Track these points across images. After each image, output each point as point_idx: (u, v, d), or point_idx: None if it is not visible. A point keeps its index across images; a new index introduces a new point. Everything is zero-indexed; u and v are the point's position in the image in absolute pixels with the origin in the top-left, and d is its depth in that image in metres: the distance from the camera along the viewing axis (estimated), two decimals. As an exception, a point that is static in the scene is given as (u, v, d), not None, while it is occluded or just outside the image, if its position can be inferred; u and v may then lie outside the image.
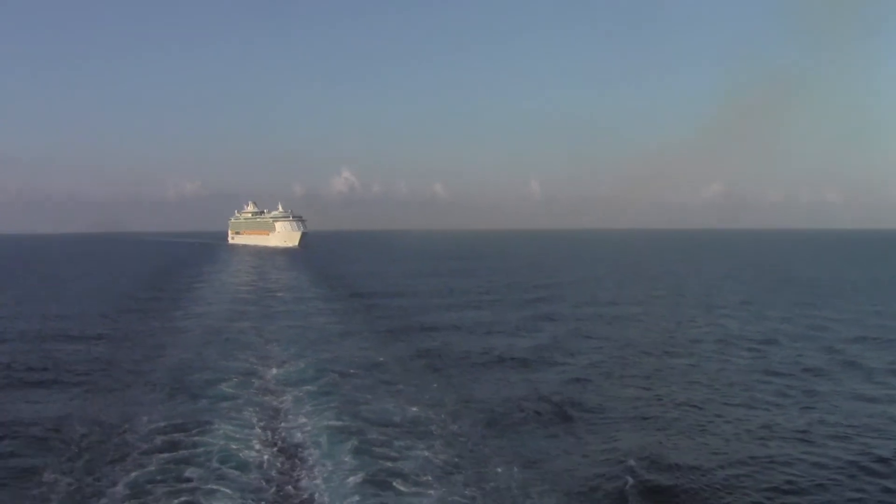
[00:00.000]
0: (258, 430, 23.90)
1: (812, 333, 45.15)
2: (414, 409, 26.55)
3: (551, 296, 67.48)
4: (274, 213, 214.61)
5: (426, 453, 21.62)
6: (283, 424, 24.73)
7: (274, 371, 33.85)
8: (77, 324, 49.54)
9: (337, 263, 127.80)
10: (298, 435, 23.68)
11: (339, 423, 23.78)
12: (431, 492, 18.55)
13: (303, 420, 25.67)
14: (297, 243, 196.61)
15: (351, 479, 19.39)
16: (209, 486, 19.25)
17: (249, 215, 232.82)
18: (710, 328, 47.29)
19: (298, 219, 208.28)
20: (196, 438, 22.88)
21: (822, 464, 21.43)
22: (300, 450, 22.33)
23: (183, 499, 18.30)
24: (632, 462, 21.01)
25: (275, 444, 22.17)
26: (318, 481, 19.55)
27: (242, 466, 20.82)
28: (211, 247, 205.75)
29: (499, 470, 20.45)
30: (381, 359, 36.26)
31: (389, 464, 20.50)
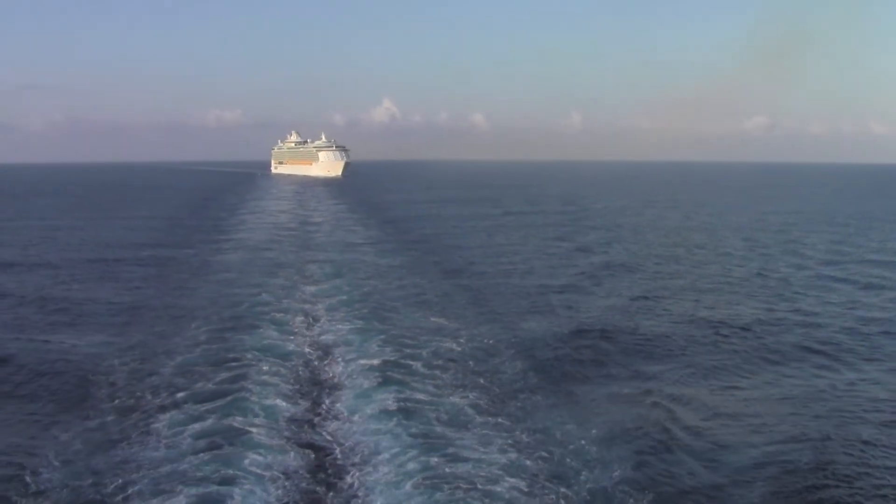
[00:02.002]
0: (296, 337, 26.50)
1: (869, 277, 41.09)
2: (440, 321, 28.12)
3: (587, 227, 67.63)
4: (317, 142, 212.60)
5: (452, 383, 22.13)
6: (317, 330, 27.13)
7: (311, 288, 36.46)
8: (129, 247, 51.90)
9: (379, 192, 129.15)
10: (332, 338, 26.85)
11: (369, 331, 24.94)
12: (466, 431, 18.42)
13: (338, 326, 29.15)
14: (340, 173, 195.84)
15: (381, 398, 20.43)
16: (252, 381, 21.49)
17: (293, 145, 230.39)
18: (753, 266, 44.71)
19: (341, 148, 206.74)
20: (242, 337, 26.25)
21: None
22: (335, 355, 24.96)
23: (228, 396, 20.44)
24: (673, 407, 20.53)
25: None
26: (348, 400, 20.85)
27: (283, 358, 24.33)
28: (253, 177, 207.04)
29: (537, 413, 19.98)
30: (421, 286, 37.43)
31: (420, 395, 20.83)
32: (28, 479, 15.92)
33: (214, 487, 15.34)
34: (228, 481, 15.52)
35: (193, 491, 15.20)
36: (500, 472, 16.01)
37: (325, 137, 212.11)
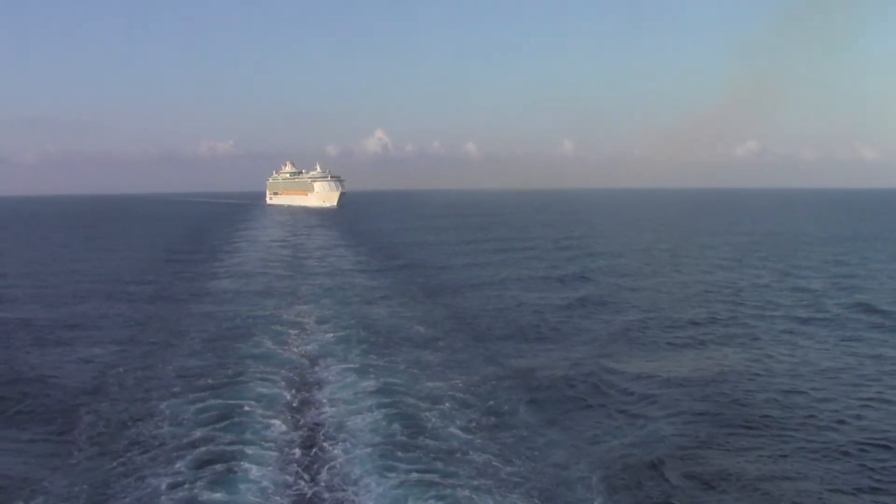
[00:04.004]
0: (286, 384, 24.85)
1: (854, 296, 42.08)
2: (452, 380, 25.62)
3: (582, 254, 68.14)
4: (312, 173, 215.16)
5: (448, 412, 21.84)
6: (313, 398, 23.88)
7: (303, 307, 38.53)
8: (118, 281, 52.36)
9: (373, 221, 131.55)
10: (324, 385, 25.10)
11: (372, 399, 22.77)
12: (458, 459, 18.41)
13: (325, 337, 31.42)
14: (335, 203, 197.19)
15: (376, 439, 19.71)
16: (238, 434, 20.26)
17: (287, 175, 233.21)
18: (746, 292, 44.91)
19: (336, 179, 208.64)
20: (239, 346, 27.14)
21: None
22: (325, 402, 23.40)
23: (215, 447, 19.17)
24: (667, 438, 20.27)
25: (303, 419, 21.39)
26: (342, 443, 19.96)
27: (276, 364, 25.46)
28: (248, 207, 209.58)
29: (533, 442, 20.05)
30: (417, 321, 35.95)
31: (435, 465, 18.52)
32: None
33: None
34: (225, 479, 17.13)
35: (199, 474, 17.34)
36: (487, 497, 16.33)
37: (320, 168, 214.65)
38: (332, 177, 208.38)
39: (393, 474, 17.30)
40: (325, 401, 23.06)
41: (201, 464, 17.85)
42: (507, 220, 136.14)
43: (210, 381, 24.84)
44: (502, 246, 76.74)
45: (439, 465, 17.96)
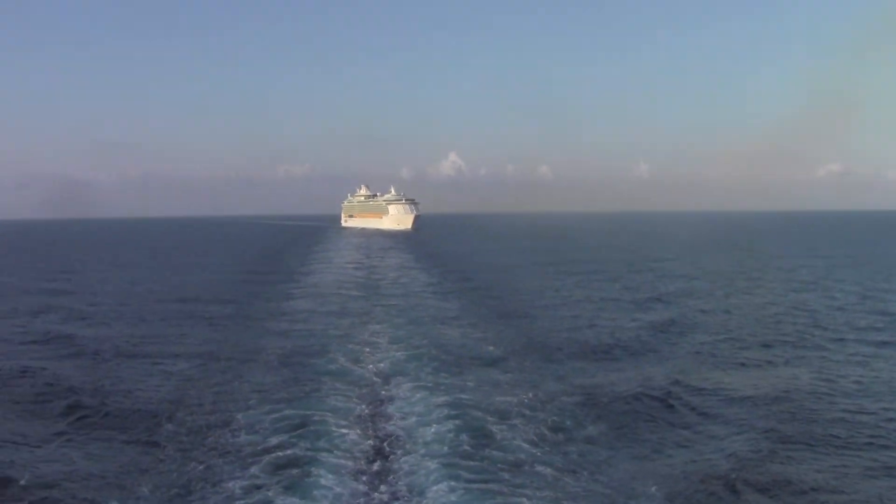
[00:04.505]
0: (359, 399, 25.53)
1: None
2: (520, 397, 25.83)
3: (656, 277, 67.42)
4: (387, 196, 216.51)
5: (523, 438, 21.46)
6: (386, 411, 24.36)
7: (376, 327, 39.52)
8: (198, 300, 54.20)
9: (446, 244, 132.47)
10: (395, 399, 25.54)
11: (442, 413, 23.42)
12: (528, 482, 18.26)
13: (397, 355, 32.22)
14: (410, 226, 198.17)
15: (445, 450, 20.23)
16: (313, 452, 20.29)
17: (362, 198, 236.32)
18: (821, 314, 44.37)
19: (411, 201, 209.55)
20: (302, 401, 25.40)
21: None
22: (396, 415, 23.89)
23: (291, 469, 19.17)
24: (732, 454, 20.27)
25: (375, 431, 22.05)
26: (413, 454, 20.41)
27: (344, 428, 22.54)
28: (324, 229, 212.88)
29: (598, 455, 20.30)
30: (488, 341, 36.12)
31: (501, 476, 18.82)
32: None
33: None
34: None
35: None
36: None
37: (395, 191, 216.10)
38: (406, 200, 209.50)
39: (460, 483, 17.82)
40: (396, 414, 23.68)
41: (277, 468, 18.73)
42: (580, 243, 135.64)
43: (285, 394, 25.85)
44: (575, 269, 76.58)
45: (506, 475, 18.39)
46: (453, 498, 17.24)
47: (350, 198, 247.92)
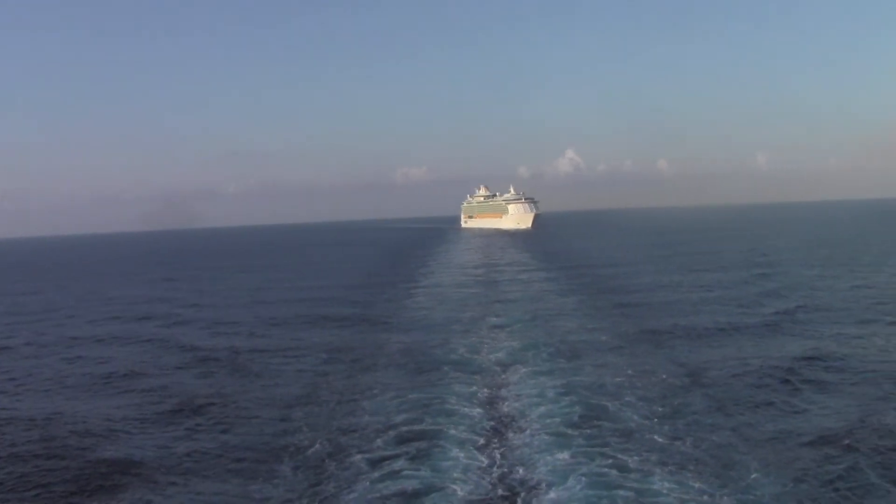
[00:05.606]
0: (479, 384, 27.32)
1: None
2: (632, 378, 27.14)
3: (772, 272, 63.47)
4: (506, 195, 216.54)
5: (648, 430, 21.54)
6: (504, 394, 25.97)
7: (495, 319, 41.08)
8: (329, 300, 57.23)
9: (564, 241, 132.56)
10: (513, 384, 27.21)
11: (557, 392, 25.22)
12: (656, 471, 18.39)
13: (512, 344, 34.12)
14: (530, 225, 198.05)
15: (561, 426, 21.69)
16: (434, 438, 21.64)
17: (482, 199, 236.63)
18: None
19: (530, 200, 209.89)
20: (426, 387, 27.48)
21: None
22: (513, 396, 25.61)
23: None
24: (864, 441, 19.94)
25: (495, 420, 22.98)
26: (529, 429, 21.97)
27: (466, 408, 24.37)
28: (444, 231, 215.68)
29: (709, 433, 20.95)
30: (603, 331, 37.09)
31: (610, 442, 20.26)
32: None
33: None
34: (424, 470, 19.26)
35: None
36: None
37: (514, 190, 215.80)
38: (525, 199, 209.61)
39: (572, 450, 19.65)
40: (513, 396, 25.37)
41: (404, 441, 20.85)
42: (697, 237, 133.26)
43: (408, 382, 27.90)
44: (690, 262, 76.18)
45: (614, 441, 20.23)
46: (567, 457, 19.13)
47: (469, 199, 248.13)
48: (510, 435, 21.44)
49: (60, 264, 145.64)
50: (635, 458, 18.97)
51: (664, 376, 27.26)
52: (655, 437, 20.64)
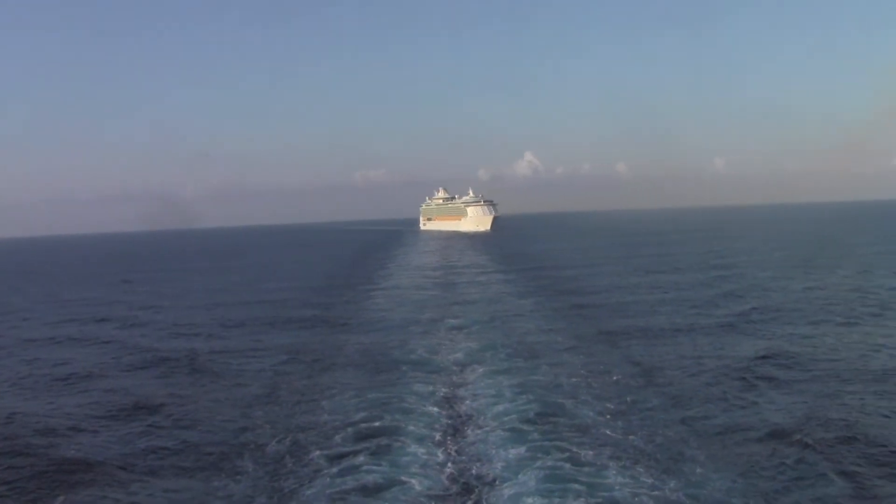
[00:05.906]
0: (437, 383, 27.86)
1: None
2: (588, 377, 27.81)
3: (731, 274, 63.56)
4: (465, 198, 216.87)
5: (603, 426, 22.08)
6: (462, 393, 26.51)
7: (453, 321, 41.92)
8: (287, 301, 57.65)
9: (523, 244, 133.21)
10: (471, 383, 27.84)
11: (514, 391, 25.81)
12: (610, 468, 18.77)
13: (470, 345, 34.62)
14: (489, 227, 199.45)
15: (517, 422, 22.30)
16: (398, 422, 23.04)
17: (440, 201, 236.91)
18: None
19: (489, 203, 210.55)
20: (384, 387, 27.84)
21: None
22: (471, 396, 26.17)
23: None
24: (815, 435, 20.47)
25: (453, 417, 23.54)
26: (488, 426, 22.59)
27: (423, 407, 24.89)
28: (402, 233, 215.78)
29: (661, 428, 21.67)
30: (559, 332, 37.72)
31: (565, 437, 20.84)
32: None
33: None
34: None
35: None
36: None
37: (473, 192, 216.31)
38: (484, 201, 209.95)
39: (527, 447, 20.12)
40: (471, 394, 25.91)
41: (363, 438, 21.36)
42: (655, 239, 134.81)
43: (367, 382, 28.28)
44: (648, 264, 77.34)
45: (569, 435, 20.95)
46: (523, 452, 19.71)
47: (428, 201, 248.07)
48: (468, 431, 21.97)
49: (23, 267, 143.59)
50: (589, 452, 19.54)
51: (620, 375, 27.91)
52: (609, 432, 21.29)
